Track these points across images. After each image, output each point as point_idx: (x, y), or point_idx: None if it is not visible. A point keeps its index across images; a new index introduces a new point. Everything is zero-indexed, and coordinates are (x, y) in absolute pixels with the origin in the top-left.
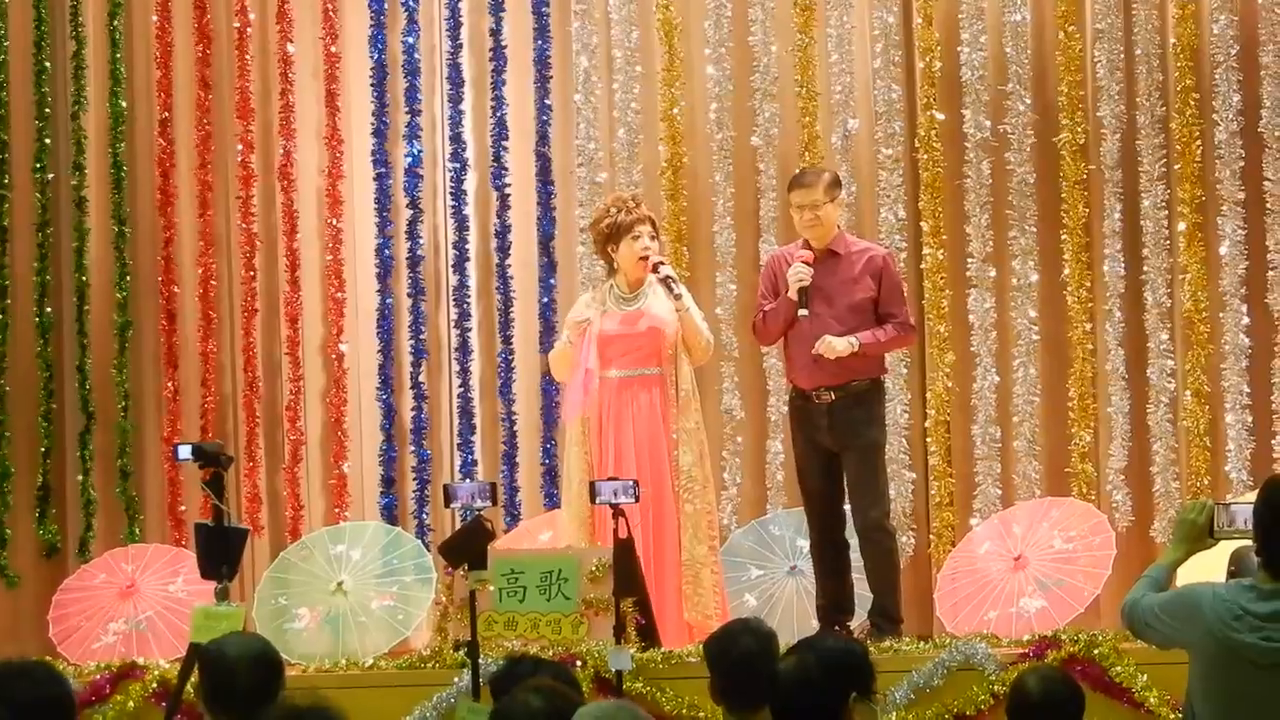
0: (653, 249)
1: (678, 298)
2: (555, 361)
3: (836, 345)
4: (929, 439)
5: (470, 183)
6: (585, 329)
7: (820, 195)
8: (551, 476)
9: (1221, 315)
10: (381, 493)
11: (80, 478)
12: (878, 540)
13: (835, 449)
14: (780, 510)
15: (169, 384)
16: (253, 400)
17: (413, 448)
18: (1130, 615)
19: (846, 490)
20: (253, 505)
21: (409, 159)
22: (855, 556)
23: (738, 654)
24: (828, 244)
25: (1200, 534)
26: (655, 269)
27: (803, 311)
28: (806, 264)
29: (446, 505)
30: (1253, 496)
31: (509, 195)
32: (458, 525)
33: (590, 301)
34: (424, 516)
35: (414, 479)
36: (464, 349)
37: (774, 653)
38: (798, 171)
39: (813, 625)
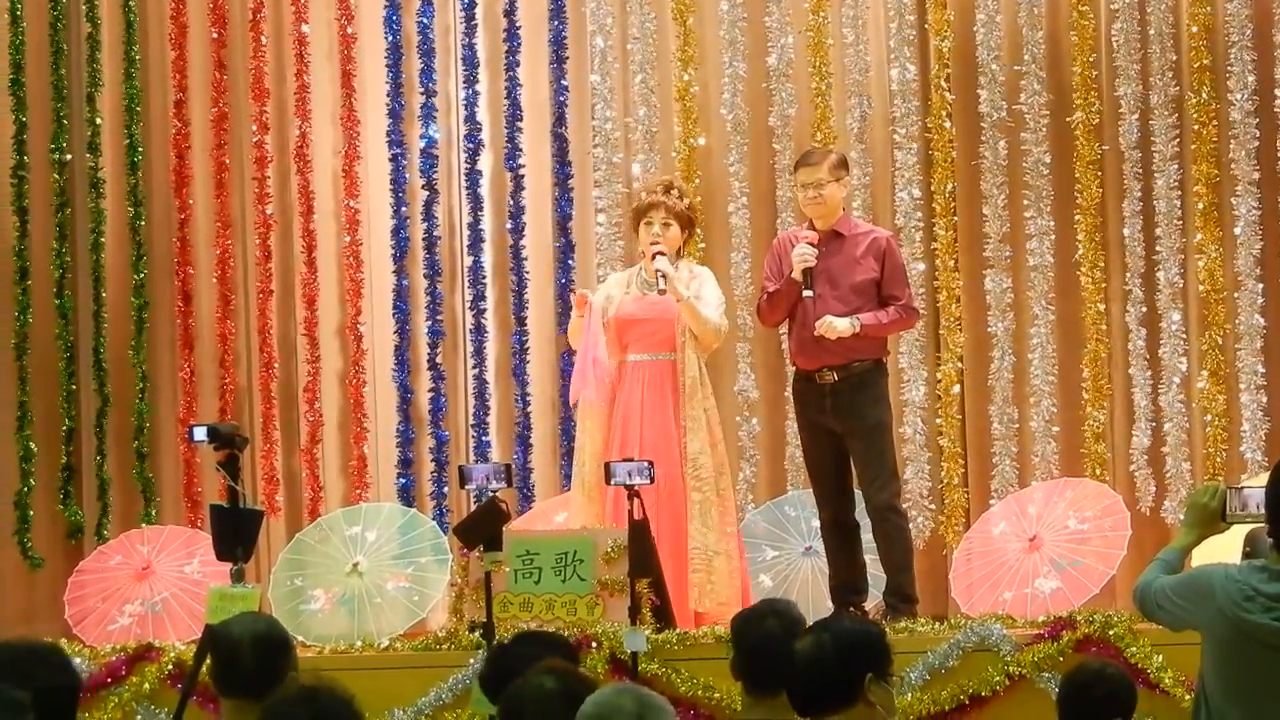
0: (662, 238)
1: (661, 292)
2: (573, 331)
3: (838, 325)
4: (938, 419)
5: (486, 164)
6: (602, 311)
7: (824, 174)
8: (570, 457)
9: (1236, 295)
10: (399, 474)
11: (97, 459)
12: (889, 520)
13: (840, 430)
14: (796, 490)
15: (185, 366)
16: (269, 382)
17: (430, 429)
18: (1142, 598)
19: (855, 472)
20: (270, 487)
21: (424, 140)
22: (867, 537)
23: (761, 635)
24: (832, 225)
25: (1212, 518)
26: (653, 258)
27: (808, 292)
28: (811, 245)
29: (461, 486)
30: (1265, 478)
31: (523, 176)
32: (473, 507)
33: (618, 281)
34: (442, 498)
35: (432, 460)
36: (479, 330)
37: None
38: (805, 150)
39: (828, 606)
